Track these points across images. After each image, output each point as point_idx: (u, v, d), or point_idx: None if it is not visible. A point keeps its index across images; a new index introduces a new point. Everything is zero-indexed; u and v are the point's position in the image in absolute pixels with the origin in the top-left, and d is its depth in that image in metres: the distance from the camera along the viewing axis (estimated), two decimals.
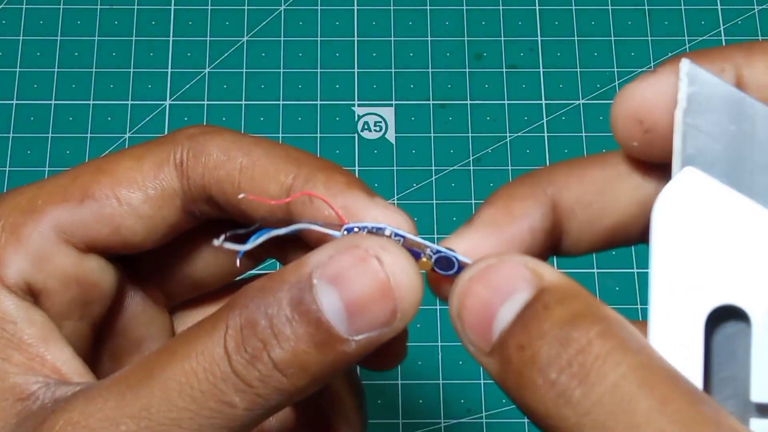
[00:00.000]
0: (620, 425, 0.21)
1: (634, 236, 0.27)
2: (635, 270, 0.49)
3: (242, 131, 0.51)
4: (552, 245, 0.27)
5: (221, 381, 0.23)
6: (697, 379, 0.23)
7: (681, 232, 0.23)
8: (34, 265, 0.26)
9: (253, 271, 0.33)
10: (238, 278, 0.33)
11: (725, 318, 0.23)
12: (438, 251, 0.25)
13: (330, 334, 0.24)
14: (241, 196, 0.26)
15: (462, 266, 0.25)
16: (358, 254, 0.24)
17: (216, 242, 0.26)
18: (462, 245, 0.25)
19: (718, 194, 0.23)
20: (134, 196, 0.27)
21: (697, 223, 0.23)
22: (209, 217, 0.29)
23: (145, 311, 0.31)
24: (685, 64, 0.24)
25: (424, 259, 0.25)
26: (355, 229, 0.25)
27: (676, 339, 0.23)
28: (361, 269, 0.24)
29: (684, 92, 0.24)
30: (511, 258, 0.24)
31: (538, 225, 0.26)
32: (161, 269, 0.31)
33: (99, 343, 0.30)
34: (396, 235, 0.25)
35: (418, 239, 0.25)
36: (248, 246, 0.25)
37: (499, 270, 0.23)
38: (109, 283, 0.28)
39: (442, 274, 0.25)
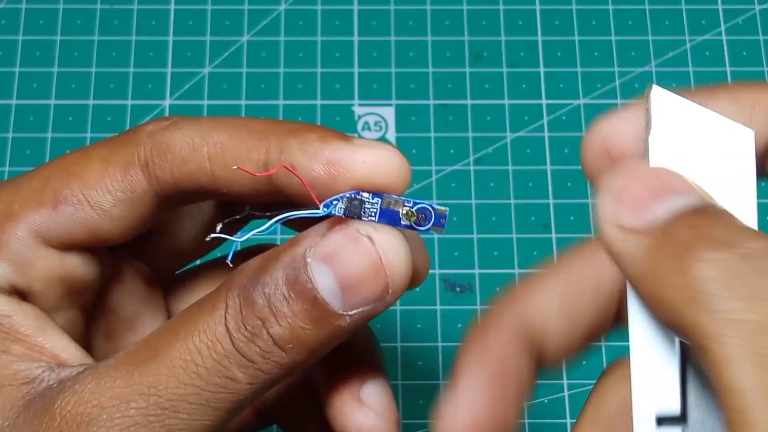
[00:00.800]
0: None
1: (611, 323, 0.26)
2: None
3: None
4: (539, 361, 0.26)
5: (224, 358, 0.25)
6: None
7: None
8: (17, 270, 0.27)
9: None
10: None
11: None
12: (416, 203, 0.26)
13: (325, 310, 0.25)
14: (234, 167, 0.26)
15: (439, 216, 0.26)
16: (350, 234, 0.25)
17: (211, 236, 0.26)
18: (451, 413, 0.24)
19: None
20: (104, 199, 0.27)
21: None
22: (189, 203, 0.29)
23: (136, 289, 0.31)
24: (651, 88, 0.23)
25: (407, 210, 0.26)
26: (334, 202, 0.25)
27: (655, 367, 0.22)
28: (353, 248, 0.25)
29: (651, 115, 0.23)
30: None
31: (517, 350, 0.25)
32: (146, 245, 0.31)
33: (92, 323, 0.30)
34: (374, 196, 0.26)
35: (394, 197, 0.26)
36: (242, 238, 0.26)
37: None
38: (94, 272, 0.29)
39: (419, 230, 0.26)
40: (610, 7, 0.54)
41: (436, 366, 0.47)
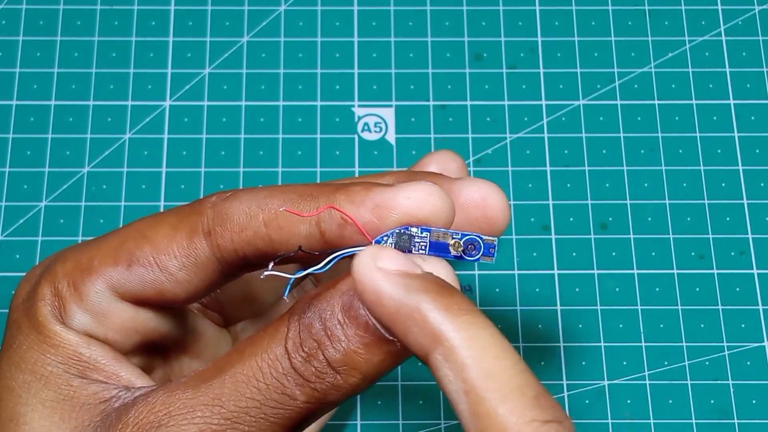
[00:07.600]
0: None
1: None
2: (635, 270, 0.49)
3: (242, 133, 0.52)
4: None
5: (283, 376, 0.27)
6: None
7: None
8: (94, 319, 0.29)
9: None
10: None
11: None
12: (464, 235, 0.28)
13: (376, 336, 0.26)
14: (282, 209, 0.28)
15: (488, 246, 0.28)
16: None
17: (265, 273, 0.28)
18: None
19: None
20: (171, 264, 0.29)
21: None
22: (252, 269, 0.31)
23: (208, 335, 0.34)
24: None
25: (455, 241, 0.28)
26: (384, 238, 0.27)
27: None
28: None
29: None
30: None
31: None
32: (221, 299, 0.35)
33: (167, 367, 0.33)
34: (423, 230, 0.27)
35: (442, 230, 0.27)
36: (298, 275, 0.28)
37: None
38: (168, 326, 0.31)
39: (469, 260, 0.28)
40: (610, 7, 0.54)
41: None
